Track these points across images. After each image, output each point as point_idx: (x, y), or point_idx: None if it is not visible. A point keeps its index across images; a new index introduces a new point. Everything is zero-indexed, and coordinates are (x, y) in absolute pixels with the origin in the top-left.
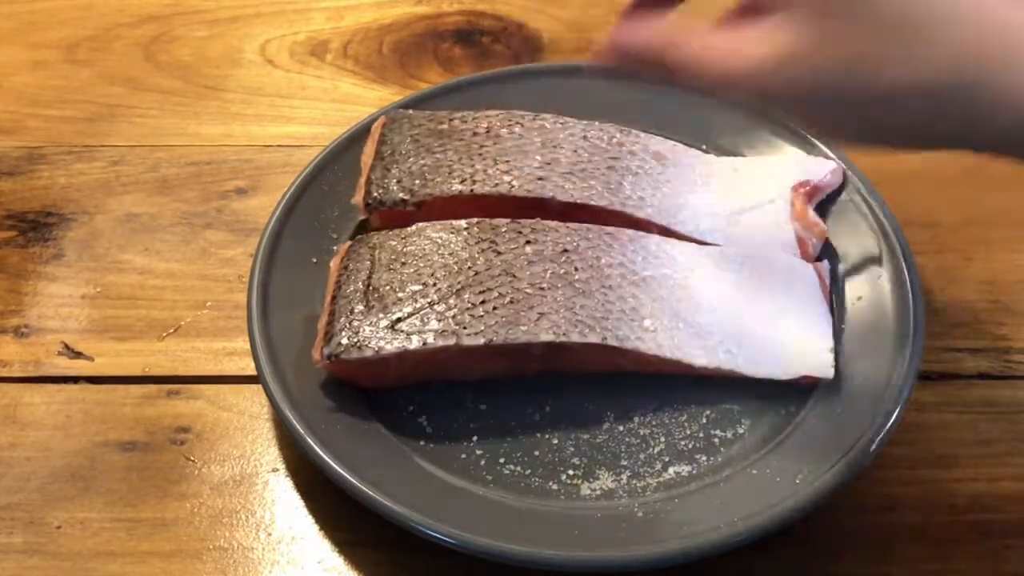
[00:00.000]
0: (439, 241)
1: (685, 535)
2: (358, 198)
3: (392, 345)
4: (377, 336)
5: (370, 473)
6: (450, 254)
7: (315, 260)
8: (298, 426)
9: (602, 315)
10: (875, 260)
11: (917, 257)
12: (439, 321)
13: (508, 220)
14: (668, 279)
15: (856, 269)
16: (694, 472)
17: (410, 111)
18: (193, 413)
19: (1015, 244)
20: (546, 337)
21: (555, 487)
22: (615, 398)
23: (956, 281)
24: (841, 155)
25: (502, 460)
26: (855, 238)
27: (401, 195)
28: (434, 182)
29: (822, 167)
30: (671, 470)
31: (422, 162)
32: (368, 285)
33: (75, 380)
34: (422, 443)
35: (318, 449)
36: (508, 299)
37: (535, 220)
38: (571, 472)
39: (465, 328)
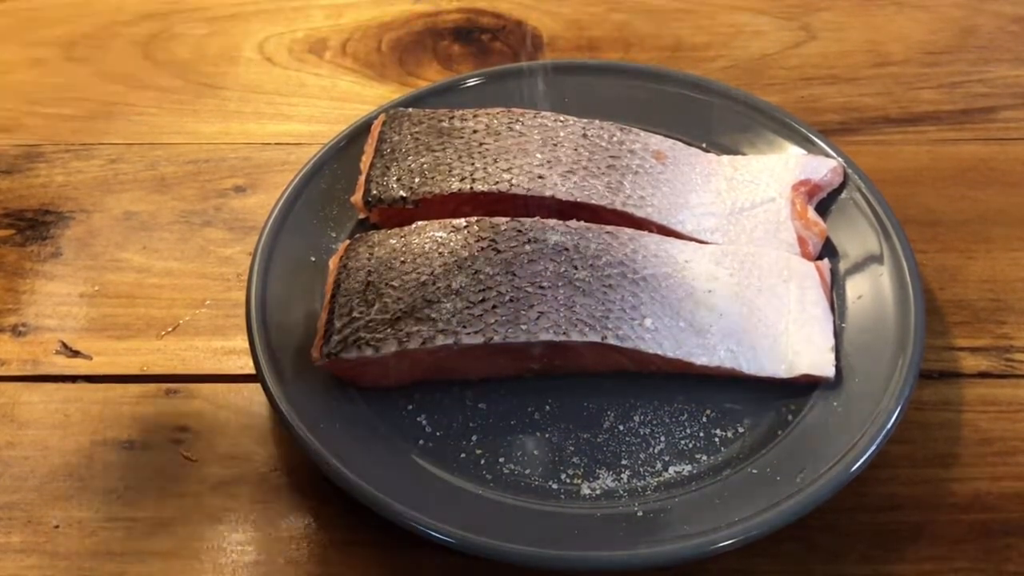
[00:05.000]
0: (438, 239)
1: (685, 535)
2: (357, 196)
3: (391, 344)
4: (376, 335)
5: (369, 472)
6: (449, 252)
7: (314, 259)
8: (297, 425)
9: (602, 314)
10: (876, 259)
11: (918, 255)
12: (438, 320)
13: (508, 219)
14: (668, 278)
15: (857, 268)
16: (694, 471)
17: (410, 109)
18: (192, 412)
19: (1016, 243)
20: (546, 336)
21: (555, 487)
22: (615, 398)
23: (957, 279)
24: (842, 153)
25: (502, 460)
26: (855, 237)
27: (400, 193)
28: (433, 180)
29: (822, 166)
30: (671, 469)
31: (421, 160)
32: (367, 284)
33: (73, 379)
34: (422, 442)
35: (317, 448)
36: (508, 298)
37: (535, 219)
38: (571, 472)
39: (464, 327)
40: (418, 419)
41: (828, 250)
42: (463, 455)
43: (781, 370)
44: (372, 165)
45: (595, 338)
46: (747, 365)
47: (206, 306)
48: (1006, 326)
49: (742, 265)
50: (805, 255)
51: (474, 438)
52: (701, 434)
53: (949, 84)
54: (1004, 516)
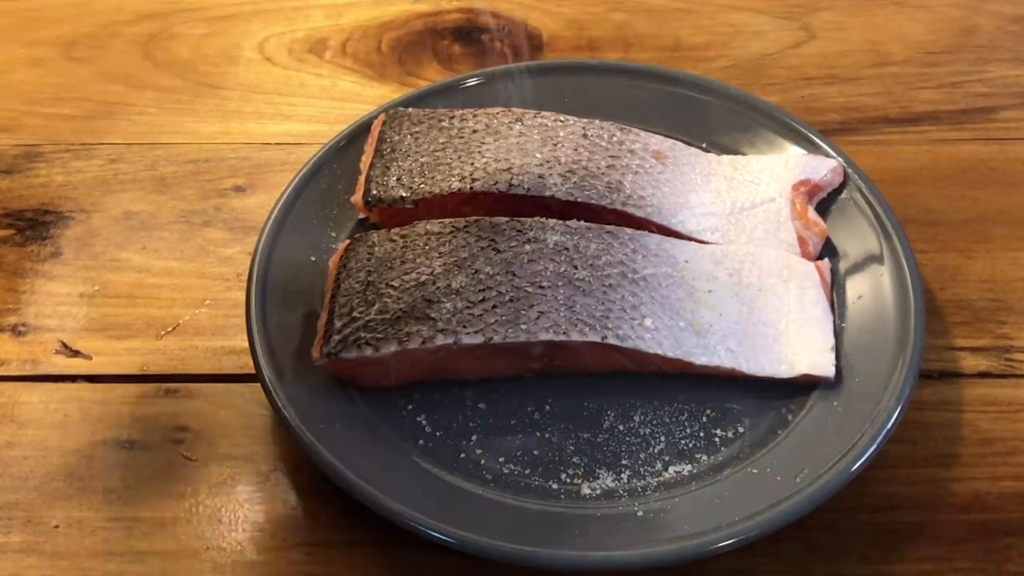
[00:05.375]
0: (438, 239)
1: (685, 535)
2: (357, 196)
3: (391, 344)
4: (376, 334)
5: (369, 472)
6: (449, 252)
7: (314, 258)
8: (297, 425)
9: (602, 314)
10: (876, 259)
11: (918, 255)
12: (438, 320)
13: (507, 218)
14: (668, 278)
15: (857, 268)
16: (694, 471)
17: (410, 109)
18: (191, 412)
19: (1016, 242)
20: (545, 336)
21: (555, 487)
22: (615, 398)
23: (957, 279)
24: (842, 153)
25: (502, 460)
26: (855, 237)
27: (400, 193)
28: (433, 180)
29: (822, 166)
30: (671, 469)
31: (421, 160)
32: (367, 283)
33: (73, 379)
34: (421, 442)
35: (317, 448)
36: (508, 298)
37: (535, 218)
38: (571, 472)
39: (464, 327)
40: (418, 419)
41: (828, 250)
42: (463, 455)
43: (781, 370)
44: (372, 165)
45: (595, 338)
46: (747, 365)
47: (206, 306)
48: (1006, 326)
49: (742, 265)
50: (805, 255)
51: (474, 438)
52: (701, 434)
53: (949, 84)
54: (1004, 516)
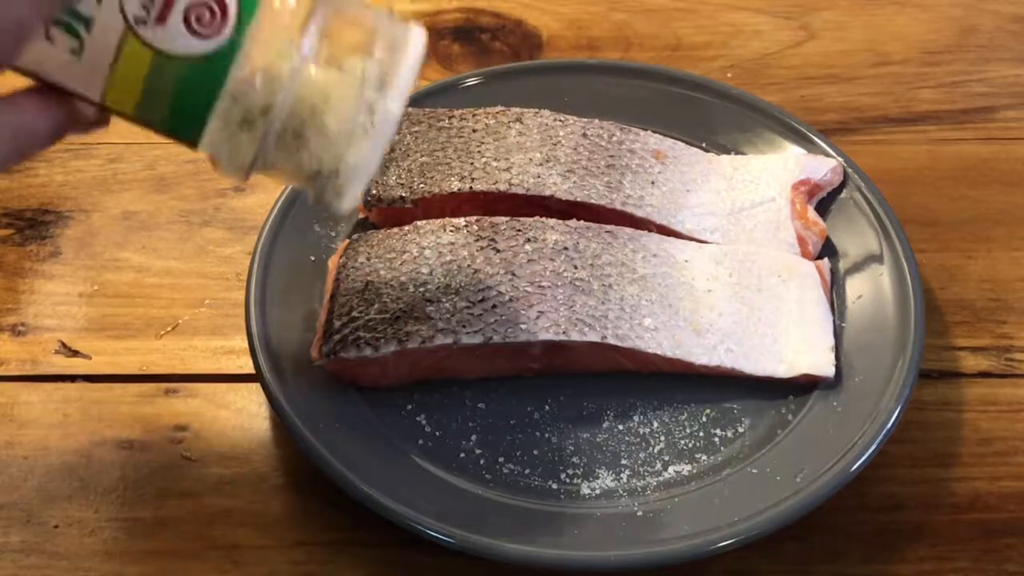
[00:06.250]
0: (438, 239)
1: (685, 535)
2: None
3: (391, 344)
4: (376, 334)
5: (369, 472)
6: (449, 252)
7: (313, 258)
8: (296, 425)
9: (602, 314)
10: (876, 258)
11: (918, 255)
12: (438, 320)
13: (507, 218)
14: (668, 277)
15: (856, 267)
16: (694, 471)
17: (409, 108)
18: (191, 412)
19: (1016, 242)
20: (545, 336)
21: (555, 486)
22: (615, 397)
23: (957, 279)
24: (841, 153)
25: (501, 459)
26: (855, 236)
27: (400, 192)
28: (433, 179)
29: (822, 165)
30: (671, 469)
31: (421, 159)
32: (367, 283)
33: (72, 379)
34: (421, 442)
35: (316, 448)
36: (507, 297)
37: (534, 218)
38: (571, 471)
39: (464, 327)
40: (418, 419)
41: (828, 250)
42: (463, 455)
43: (781, 370)
44: None
45: (595, 338)
46: (747, 365)
47: (205, 306)
48: (1006, 326)
49: (742, 265)
50: (805, 255)
51: (474, 438)
52: (701, 434)
53: (949, 84)
54: (1004, 516)
